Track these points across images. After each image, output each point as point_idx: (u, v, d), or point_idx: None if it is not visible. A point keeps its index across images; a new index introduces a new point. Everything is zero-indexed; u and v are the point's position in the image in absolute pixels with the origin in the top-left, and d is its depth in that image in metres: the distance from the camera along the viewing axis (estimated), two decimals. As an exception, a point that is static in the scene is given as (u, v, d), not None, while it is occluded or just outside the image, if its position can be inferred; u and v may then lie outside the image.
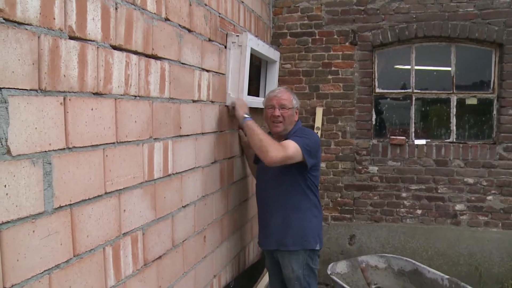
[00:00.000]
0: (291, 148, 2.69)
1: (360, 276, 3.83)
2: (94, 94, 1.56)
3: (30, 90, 1.26)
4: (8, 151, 1.19)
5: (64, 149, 1.41)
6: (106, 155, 1.64)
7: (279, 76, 4.25)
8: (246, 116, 2.79)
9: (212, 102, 2.71)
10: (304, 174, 2.85)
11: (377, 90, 4.57)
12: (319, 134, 4.49)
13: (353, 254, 4.44)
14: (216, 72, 2.77)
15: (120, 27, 1.72)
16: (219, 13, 2.79)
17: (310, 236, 2.89)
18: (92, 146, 1.55)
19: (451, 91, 4.46)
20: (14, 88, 1.20)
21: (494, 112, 4.38)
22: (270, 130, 3.04)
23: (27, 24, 1.25)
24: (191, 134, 2.41)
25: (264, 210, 3.08)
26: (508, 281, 4.24)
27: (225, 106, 2.95)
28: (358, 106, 4.53)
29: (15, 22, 1.20)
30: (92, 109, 1.55)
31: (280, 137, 2.95)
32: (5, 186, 1.18)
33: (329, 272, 3.72)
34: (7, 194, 1.18)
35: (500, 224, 4.33)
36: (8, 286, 1.18)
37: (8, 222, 1.19)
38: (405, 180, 4.47)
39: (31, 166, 1.27)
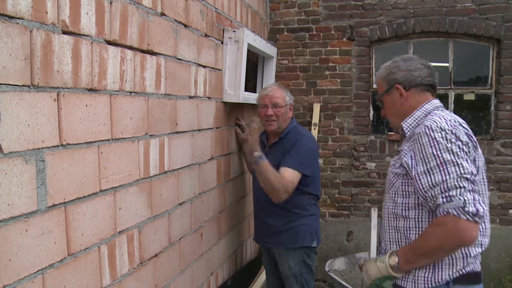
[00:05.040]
0: (292, 180, 2.69)
1: (358, 272, 3.81)
2: (88, 90, 1.53)
3: (22, 86, 1.23)
4: (0, 149, 1.16)
5: (57, 146, 1.38)
6: (101, 152, 1.61)
7: (276, 72, 4.22)
8: (261, 155, 2.64)
9: (208, 98, 2.68)
10: None
11: (375, 86, 4.55)
12: (316, 131, 4.47)
13: (350, 251, 4.43)
14: (213, 68, 2.74)
15: (115, 22, 1.69)
16: (216, 8, 2.76)
17: (306, 233, 2.88)
18: (87, 143, 1.53)
19: (449, 87, 4.44)
20: (5, 84, 1.17)
21: (492, 107, 4.37)
22: (265, 128, 3.02)
23: (19, 18, 1.21)
24: (188, 131, 2.39)
25: (260, 207, 3.06)
26: (505, 276, 4.24)
27: (222, 102, 2.92)
28: (356, 102, 4.51)
29: (6, 15, 1.17)
30: (86, 105, 1.52)
31: (275, 135, 2.93)
32: (-4, 184, 1.15)
33: (326, 269, 3.70)
34: (-2, 192, 1.16)
35: (498, 220, 4.33)
36: (0, 287, 1.16)
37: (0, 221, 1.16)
38: (403, 176, 4.45)
39: (24, 163, 1.24)
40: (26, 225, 1.25)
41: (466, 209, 1.55)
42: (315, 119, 4.49)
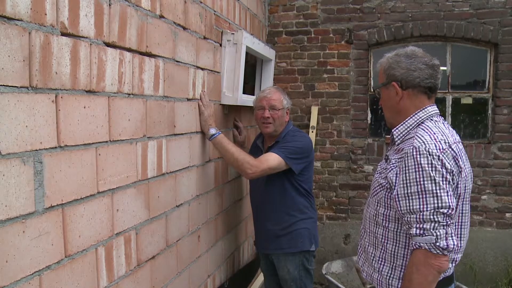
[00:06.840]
0: (270, 161, 2.68)
1: (355, 275, 3.82)
2: (86, 91, 1.53)
3: (21, 87, 1.24)
4: (-2, 150, 1.16)
5: (55, 147, 1.38)
6: (99, 154, 1.61)
7: (274, 74, 4.22)
8: (213, 132, 2.57)
9: (207, 100, 2.68)
10: (291, 178, 2.83)
11: (373, 89, 4.56)
12: (314, 134, 4.47)
13: (348, 254, 4.43)
14: (211, 70, 2.74)
15: (113, 24, 1.69)
16: (214, 11, 2.77)
17: (305, 237, 2.88)
18: (85, 144, 1.53)
19: (447, 91, 4.46)
20: (4, 85, 1.17)
21: (489, 111, 4.39)
22: (261, 131, 3.02)
23: (18, 20, 1.22)
24: (186, 133, 2.39)
25: (257, 212, 3.06)
26: (502, 280, 4.25)
27: (220, 105, 2.93)
28: (354, 105, 4.52)
29: (4, 17, 1.17)
30: (84, 107, 1.52)
31: (271, 138, 2.94)
32: (-6, 185, 1.15)
33: (324, 272, 3.70)
34: (-4, 193, 1.16)
35: (495, 224, 4.34)
36: (-3, 288, 1.16)
37: (-3, 222, 1.16)
38: (400, 179, 4.45)
39: (22, 165, 1.24)
40: (23, 227, 1.25)
41: (437, 244, 1.63)
42: (313, 122, 4.50)
